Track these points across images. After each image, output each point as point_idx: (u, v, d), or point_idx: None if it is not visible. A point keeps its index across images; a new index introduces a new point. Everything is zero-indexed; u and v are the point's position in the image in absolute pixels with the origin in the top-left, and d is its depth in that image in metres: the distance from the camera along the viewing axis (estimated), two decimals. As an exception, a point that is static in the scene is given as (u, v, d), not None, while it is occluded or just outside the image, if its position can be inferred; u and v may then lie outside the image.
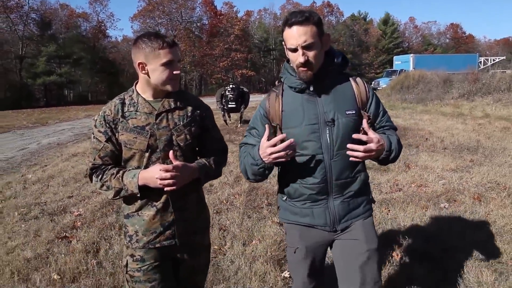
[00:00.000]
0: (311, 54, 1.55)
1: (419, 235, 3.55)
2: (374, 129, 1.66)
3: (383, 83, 28.28)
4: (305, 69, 1.57)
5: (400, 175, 5.72)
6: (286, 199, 1.77)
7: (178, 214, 1.72)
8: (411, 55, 34.76)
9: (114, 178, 1.66)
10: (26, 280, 2.99)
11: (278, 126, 1.67)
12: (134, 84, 1.76)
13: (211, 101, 13.72)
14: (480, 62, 35.97)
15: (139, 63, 1.62)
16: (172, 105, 1.70)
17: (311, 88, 1.64)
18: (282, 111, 1.68)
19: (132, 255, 1.75)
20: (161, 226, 1.71)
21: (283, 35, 1.59)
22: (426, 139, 8.86)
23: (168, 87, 1.65)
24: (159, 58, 1.58)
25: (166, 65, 1.60)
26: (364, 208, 1.74)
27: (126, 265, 1.76)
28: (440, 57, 37.31)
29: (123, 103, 1.71)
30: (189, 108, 1.74)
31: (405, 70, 27.00)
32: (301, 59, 1.54)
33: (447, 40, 77.72)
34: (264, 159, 1.56)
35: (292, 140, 1.50)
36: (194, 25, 55.20)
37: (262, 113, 1.75)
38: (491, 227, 3.68)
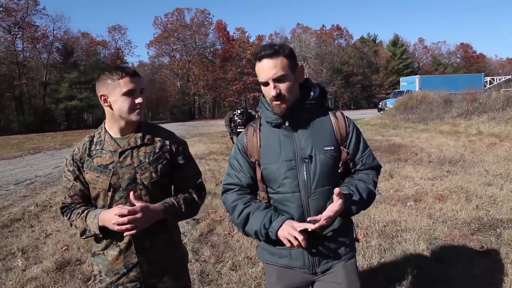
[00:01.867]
0: (283, 86, 1.51)
1: (381, 221, 4.61)
2: (354, 165, 1.66)
3: (390, 103, 29.22)
4: (278, 102, 1.53)
5: (382, 183, 6.74)
6: None
7: (142, 256, 1.66)
8: (417, 76, 35.87)
9: (79, 217, 1.62)
10: (90, 251, 4.14)
11: (257, 162, 1.64)
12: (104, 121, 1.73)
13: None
14: (486, 81, 36.75)
15: (101, 96, 1.61)
16: (139, 142, 1.65)
17: (287, 124, 1.59)
18: (259, 146, 1.64)
19: None
20: (125, 267, 1.65)
21: (255, 69, 1.56)
22: (416, 154, 9.86)
23: (132, 117, 1.60)
24: (120, 88, 1.56)
25: (127, 94, 1.56)
26: (346, 250, 1.66)
27: None
28: (445, 77, 38.25)
29: (91, 141, 1.69)
30: (158, 144, 1.69)
31: (411, 91, 27.94)
32: (273, 92, 1.51)
33: (458, 60, 78.51)
34: (280, 234, 1.48)
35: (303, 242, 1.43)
36: (208, 50, 57.56)
37: (240, 148, 1.70)
38: (440, 216, 4.72)
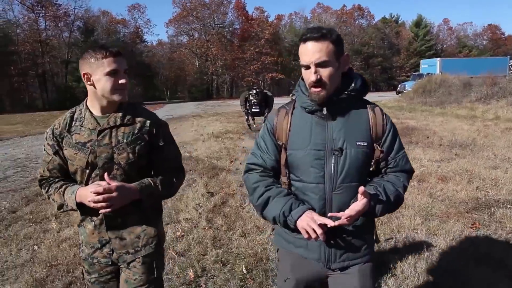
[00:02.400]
0: (324, 72, 1.45)
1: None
2: (386, 165, 1.60)
3: (408, 86, 28.88)
4: (318, 89, 1.47)
5: (390, 163, 7.00)
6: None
7: (113, 234, 1.71)
8: (438, 58, 35.11)
9: (57, 192, 1.67)
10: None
11: (283, 146, 1.59)
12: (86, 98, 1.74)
13: (240, 103, 15.03)
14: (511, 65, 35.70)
15: (84, 74, 1.61)
16: (118, 122, 1.66)
17: (325, 111, 1.53)
18: (289, 130, 1.59)
19: (83, 266, 1.82)
20: (99, 242, 1.72)
21: (299, 50, 1.50)
22: (428, 137, 9.99)
23: (115, 97, 1.62)
24: (103, 67, 1.57)
25: (111, 74, 1.58)
26: (365, 251, 1.61)
27: (82, 273, 1.84)
28: (468, 60, 37.28)
29: (72, 117, 1.71)
30: (138, 125, 1.70)
31: (431, 74, 27.48)
32: (313, 78, 1.45)
33: (484, 42, 75.94)
34: (298, 224, 1.47)
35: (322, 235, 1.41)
36: (226, 29, 57.27)
37: (268, 128, 1.66)
38: (440, 196, 4.99)
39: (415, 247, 3.53)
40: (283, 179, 1.63)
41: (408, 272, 3.09)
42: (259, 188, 1.61)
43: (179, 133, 13.08)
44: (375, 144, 1.55)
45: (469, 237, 3.70)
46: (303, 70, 1.52)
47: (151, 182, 1.68)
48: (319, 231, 1.40)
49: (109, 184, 1.53)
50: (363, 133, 1.54)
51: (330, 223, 1.42)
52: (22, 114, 29.29)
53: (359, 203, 1.41)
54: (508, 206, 4.52)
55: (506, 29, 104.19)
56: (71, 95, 44.76)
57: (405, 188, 1.58)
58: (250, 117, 12.92)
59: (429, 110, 18.08)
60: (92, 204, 1.53)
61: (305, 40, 1.46)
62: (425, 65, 35.70)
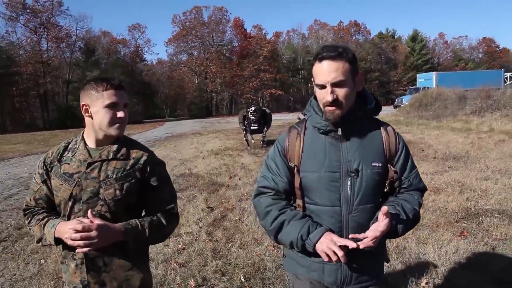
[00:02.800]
0: (340, 92, 1.43)
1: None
2: (399, 184, 1.58)
3: (405, 100, 29.26)
4: (333, 108, 1.45)
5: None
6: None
7: (93, 277, 1.58)
8: (434, 72, 35.62)
9: (37, 224, 1.58)
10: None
11: (296, 168, 1.55)
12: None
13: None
14: (506, 77, 36.19)
15: (83, 105, 1.58)
16: (111, 156, 1.60)
17: (340, 132, 1.50)
18: (302, 151, 1.55)
19: None
20: (81, 282, 1.60)
21: (313, 69, 1.47)
22: (423, 150, 10.21)
23: (111, 131, 1.58)
24: (103, 100, 1.54)
25: (110, 107, 1.54)
26: (377, 272, 1.62)
27: None
28: (463, 74, 37.74)
29: (66, 147, 1.67)
30: (131, 161, 1.62)
31: (428, 88, 27.91)
32: (329, 98, 1.42)
33: (480, 55, 76.92)
34: (318, 247, 1.43)
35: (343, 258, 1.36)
36: (225, 47, 58.06)
37: (279, 149, 1.61)
38: (431, 207, 5.17)
39: (405, 256, 3.71)
40: (298, 201, 1.59)
41: (397, 280, 3.26)
42: (272, 211, 1.56)
43: (180, 150, 13.30)
44: (388, 165, 1.54)
45: (457, 245, 3.87)
46: (317, 89, 1.49)
47: (138, 224, 1.57)
48: (340, 253, 1.36)
49: (92, 222, 1.46)
50: (378, 154, 1.53)
51: (351, 244, 1.37)
52: (23, 133, 29.59)
53: (381, 224, 1.38)
54: (496, 215, 4.71)
55: (500, 42, 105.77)
56: (72, 114, 45.15)
57: (420, 206, 1.58)
58: (248, 134, 12.96)
59: (425, 123, 18.33)
60: (69, 242, 1.45)
61: (320, 59, 1.44)
62: (421, 79, 36.24)
